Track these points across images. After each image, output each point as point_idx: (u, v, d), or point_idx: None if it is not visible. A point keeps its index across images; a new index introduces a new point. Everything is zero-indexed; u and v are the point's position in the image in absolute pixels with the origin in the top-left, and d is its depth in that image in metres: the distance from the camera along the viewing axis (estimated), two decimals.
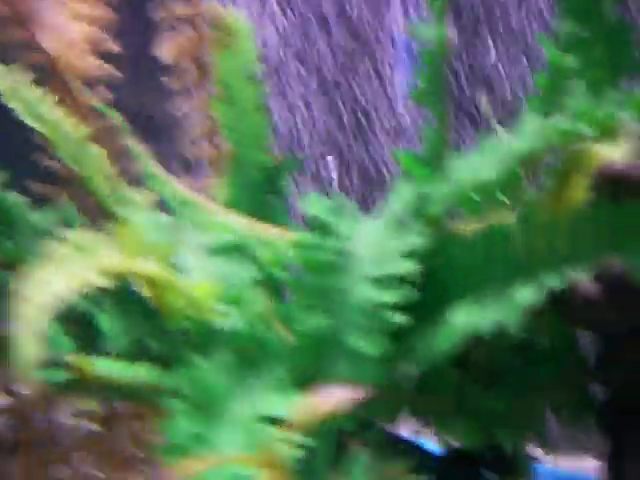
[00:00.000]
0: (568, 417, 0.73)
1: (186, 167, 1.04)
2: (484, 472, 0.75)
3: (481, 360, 0.68)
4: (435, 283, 0.63)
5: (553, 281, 0.55)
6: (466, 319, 0.57)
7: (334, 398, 0.40)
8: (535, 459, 0.77)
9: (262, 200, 0.85)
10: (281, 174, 0.87)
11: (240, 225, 0.69)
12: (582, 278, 0.56)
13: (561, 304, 0.67)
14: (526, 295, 0.55)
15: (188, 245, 0.70)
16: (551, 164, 0.66)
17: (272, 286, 0.64)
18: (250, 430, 0.52)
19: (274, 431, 0.52)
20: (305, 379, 0.58)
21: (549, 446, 1.12)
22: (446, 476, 0.69)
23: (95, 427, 1.00)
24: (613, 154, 0.53)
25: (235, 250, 0.67)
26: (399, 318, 0.57)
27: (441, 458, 0.73)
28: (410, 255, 0.58)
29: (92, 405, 0.99)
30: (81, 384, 0.65)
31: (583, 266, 0.56)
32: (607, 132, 0.55)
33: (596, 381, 0.72)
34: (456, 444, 0.76)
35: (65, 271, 0.52)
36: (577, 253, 0.56)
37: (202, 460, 0.48)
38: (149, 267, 0.55)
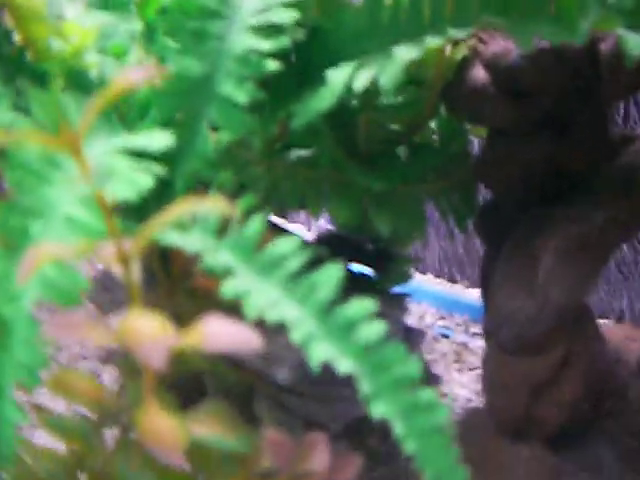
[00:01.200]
0: (451, 216, 0.72)
1: None
2: (357, 266, 0.74)
3: (366, 139, 0.67)
4: (322, 50, 0.60)
5: (436, 41, 0.53)
6: (344, 77, 0.54)
7: None
8: (411, 262, 0.77)
9: None
10: None
11: None
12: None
13: (449, 94, 0.66)
14: (406, 52, 0.53)
15: None
16: None
17: (148, 35, 0.60)
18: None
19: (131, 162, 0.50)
20: (173, 121, 0.56)
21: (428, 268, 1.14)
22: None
23: None
24: None
25: (117, 4, 0.64)
26: (273, 65, 0.54)
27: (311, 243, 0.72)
28: (293, 5, 0.55)
29: None
30: None
31: (467, 29, 0.53)
32: None
33: (481, 180, 0.71)
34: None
35: None
36: (462, 16, 0.54)
37: None
38: None
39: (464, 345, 0.94)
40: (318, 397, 0.65)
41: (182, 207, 0.39)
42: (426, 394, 0.43)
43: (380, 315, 0.71)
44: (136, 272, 0.42)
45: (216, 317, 0.40)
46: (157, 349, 0.38)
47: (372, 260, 0.75)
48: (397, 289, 0.77)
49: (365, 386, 0.42)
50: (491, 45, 0.63)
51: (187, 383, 0.66)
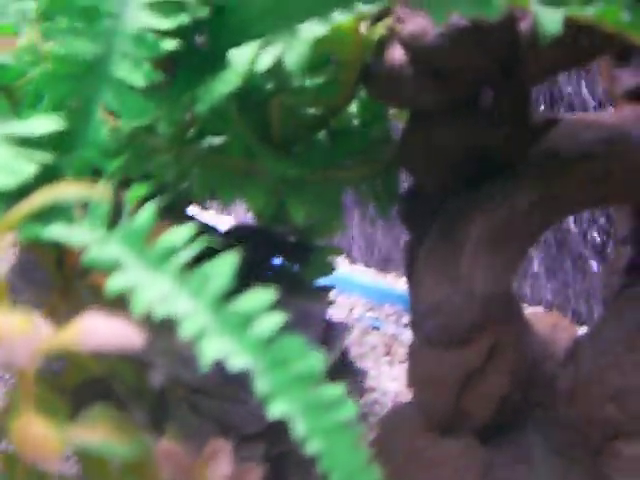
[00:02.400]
0: (373, 203, 0.70)
1: None
2: (275, 255, 0.71)
3: (280, 124, 0.64)
4: (229, 28, 0.57)
5: (344, 17, 0.50)
6: (247, 57, 0.51)
7: None
8: (335, 252, 0.74)
9: None
10: None
11: None
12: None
13: (367, 76, 0.63)
14: (312, 30, 0.50)
15: None
16: None
17: (42, 15, 0.57)
18: None
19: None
20: (66, 107, 0.52)
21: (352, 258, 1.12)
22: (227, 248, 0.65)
23: None
24: None
25: None
26: (171, 45, 0.51)
27: (226, 234, 0.69)
28: None
29: None
30: None
31: (377, 3, 0.51)
32: None
33: (403, 165, 0.68)
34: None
35: None
36: None
37: None
38: None
39: (394, 337, 0.92)
40: (232, 398, 0.62)
41: (44, 195, 0.36)
42: (331, 390, 0.40)
43: (300, 310, 0.69)
44: (1, 266, 0.38)
45: (96, 313, 0.37)
46: (22, 346, 0.34)
47: (293, 252, 0.72)
48: (321, 281, 0.74)
49: (263, 383, 0.39)
50: (409, 24, 0.60)
51: (93, 388, 0.63)
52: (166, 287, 0.42)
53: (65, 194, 0.37)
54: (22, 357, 0.36)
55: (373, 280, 1.05)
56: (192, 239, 0.43)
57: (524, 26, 0.59)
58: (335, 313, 0.95)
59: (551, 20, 0.48)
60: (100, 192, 0.37)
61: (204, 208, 0.67)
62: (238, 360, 0.39)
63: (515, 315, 0.67)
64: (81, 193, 0.38)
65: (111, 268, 0.43)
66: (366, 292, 1.00)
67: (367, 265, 1.10)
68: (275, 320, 0.40)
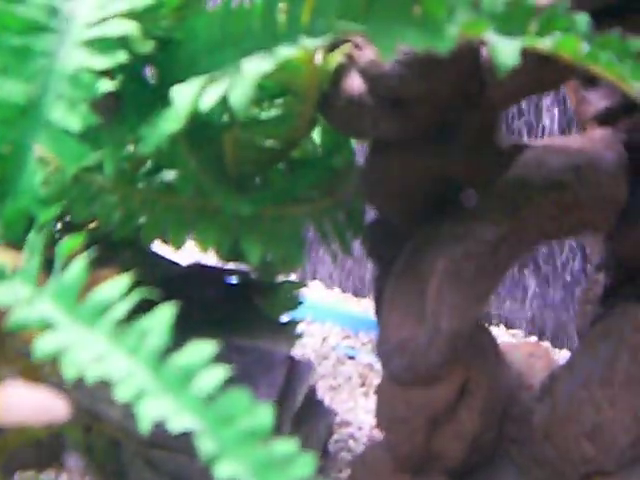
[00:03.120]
0: (335, 238, 0.67)
1: None
2: (237, 293, 0.69)
3: (235, 160, 0.61)
4: (176, 63, 0.55)
5: (290, 52, 0.48)
6: (190, 95, 0.49)
7: None
8: (299, 286, 0.71)
9: None
10: None
11: None
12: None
13: (325, 106, 0.60)
14: (256, 66, 0.47)
15: None
16: None
17: None
18: None
19: None
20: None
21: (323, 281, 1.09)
22: (185, 288, 0.63)
23: None
24: None
25: None
26: (109, 85, 0.48)
27: (184, 273, 0.67)
28: (132, 15, 0.50)
29: None
30: None
31: (324, 36, 0.48)
32: None
33: (367, 197, 0.65)
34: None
35: None
36: (319, 22, 0.49)
37: None
38: None
39: (370, 366, 0.89)
40: (187, 450, 0.59)
41: None
42: (284, 445, 0.37)
43: (262, 352, 0.66)
44: None
45: (17, 385, 0.35)
46: None
47: (255, 289, 0.70)
48: (287, 316, 0.71)
49: (207, 444, 0.36)
50: (367, 51, 0.58)
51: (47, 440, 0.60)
52: (100, 346, 0.39)
53: None
54: None
55: (347, 307, 1.02)
56: (127, 291, 0.40)
57: (486, 52, 0.57)
58: (309, 342, 0.92)
59: (507, 52, 0.45)
60: (24, 258, 0.35)
61: (165, 242, 0.64)
62: (180, 420, 0.36)
63: (487, 349, 0.64)
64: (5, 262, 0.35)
65: (41, 327, 0.40)
66: (340, 319, 0.97)
67: (343, 290, 1.07)
68: (218, 375, 0.37)
